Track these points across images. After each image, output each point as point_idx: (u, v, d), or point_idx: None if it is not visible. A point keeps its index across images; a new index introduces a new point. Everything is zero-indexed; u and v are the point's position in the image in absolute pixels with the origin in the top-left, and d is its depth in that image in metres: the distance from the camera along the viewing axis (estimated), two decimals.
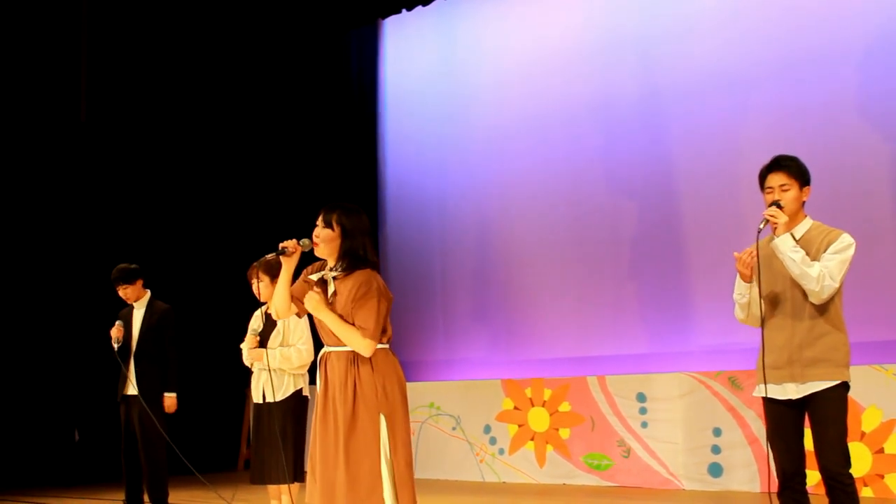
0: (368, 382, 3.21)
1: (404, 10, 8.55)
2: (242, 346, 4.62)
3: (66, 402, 7.85)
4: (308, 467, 3.37)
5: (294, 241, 3.30)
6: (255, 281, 4.61)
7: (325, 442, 3.25)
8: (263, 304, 4.70)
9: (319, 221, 3.32)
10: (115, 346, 5.22)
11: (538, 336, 7.49)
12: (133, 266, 5.49)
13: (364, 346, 3.21)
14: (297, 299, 3.36)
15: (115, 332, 5.27)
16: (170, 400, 5.37)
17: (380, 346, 3.26)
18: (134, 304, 5.46)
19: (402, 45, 8.76)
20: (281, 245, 3.28)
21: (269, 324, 4.67)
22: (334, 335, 3.26)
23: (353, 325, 3.24)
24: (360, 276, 3.27)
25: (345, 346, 3.24)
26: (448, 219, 8.17)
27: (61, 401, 7.83)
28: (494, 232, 7.91)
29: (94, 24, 7.90)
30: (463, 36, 8.28)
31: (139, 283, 5.48)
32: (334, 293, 3.27)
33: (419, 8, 8.41)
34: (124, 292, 5.43)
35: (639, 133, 7.15)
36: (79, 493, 7.20)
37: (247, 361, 4.64)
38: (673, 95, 7.01)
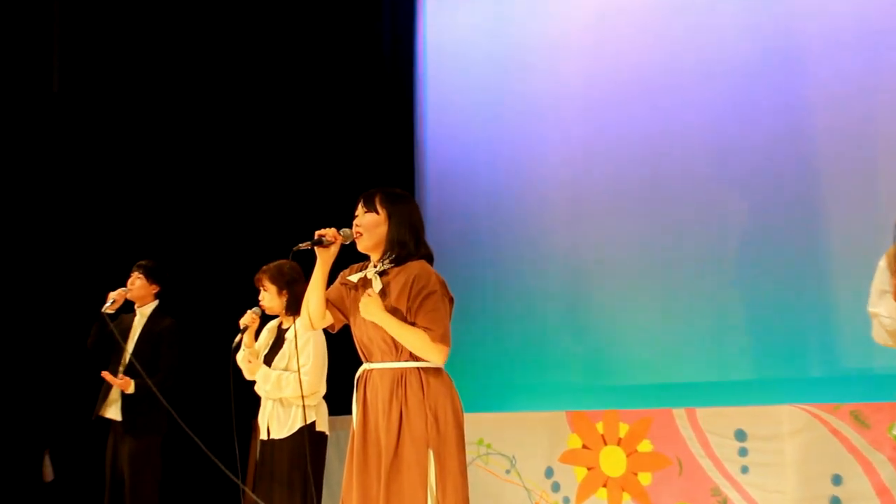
0: (417, 409, 3.11)
1: None
2: (239, 359, 4.52)
3: (36, 424, 7.13)
4: None
5: (333, 229, 3.22)
6: (262, 287, 4.54)
7: (363, 481, 3.16)
8: (274, 317, 4.64)
9: (360, 208, 3.25)
10: (109, 306, 5.15)
11: (613, 357, 6.95)
12: (159, 266, 5.52)
13: (435, 351, 3.13)
14: (333, 306, 3.29)
15: (115, 294, 5.22)
16: (122, 381, 5.17)
17: (432, 366, 3.17)
18: (137, 309, 5.39)
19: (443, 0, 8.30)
20: (317, 233, 3.19)
21: (277, 344, 4.58)
22: (379, 348, 3.16)
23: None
24: (413, 267, 3.20)
25: (391, 361, 3.15)
26: (502, 210, 7.60)
27: (29, 423, 7.11)
28: (559, 227, 7.32)
29: None
30: None
31: (154, 287, 5.42)
32: (382, 291, 3.18)
33: None
34: (134, 283, 5.35)
35: (750, 102, 6.53)
36: None
37: (247, 374, 4.54)
38: (784, 57, 6.44)
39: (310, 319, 3.29)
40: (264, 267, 4.56)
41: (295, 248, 3.26)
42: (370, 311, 3.15)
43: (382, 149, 8.10)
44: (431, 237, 7.38)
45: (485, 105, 7.93)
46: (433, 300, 3.16)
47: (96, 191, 7.48)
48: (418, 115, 8.18)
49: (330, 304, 3.29)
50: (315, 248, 3.24)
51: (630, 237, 7.06)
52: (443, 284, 3.22)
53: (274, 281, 4.51)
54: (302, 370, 4.33)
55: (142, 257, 5.68)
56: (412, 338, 3.13)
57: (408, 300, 3.16)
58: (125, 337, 5.35)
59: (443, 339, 3.14)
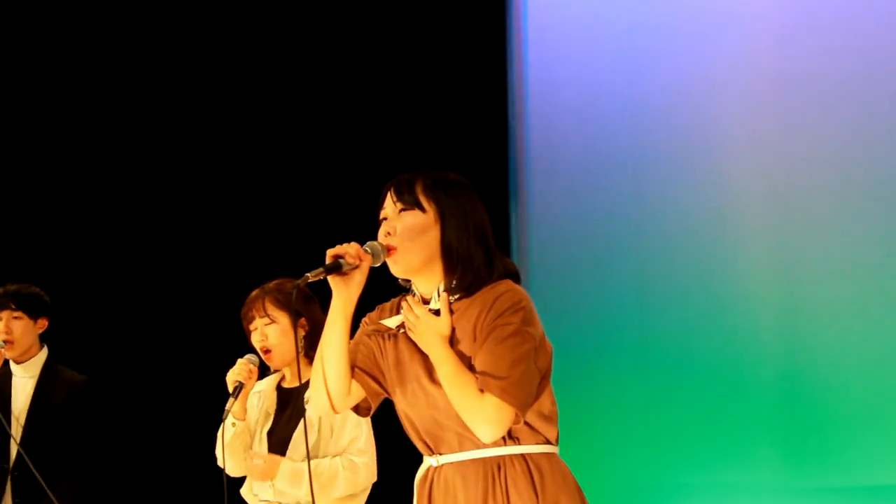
0: None
1: None
2: (226, 439, 3.64)
3: None
4: None
5: (355, 245, 2.56)
6: (257, 321, 3.66)
7: None
8: (274, 371, 3.75)
9: (389, 203, 2.62)
10: None
11: (836, 438, 5.74)
12: (39, 291, 4.58)
13: (485, 413, 2.43)
14: (363, 373, 2.63)
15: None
16: None
17: (543, 448, 2.53)
18: (13, 366, 4.50)
19: None
20: (332, 254, 2.55)
21: (287, 415, 3.71)
22: (455, 431, 2.54)
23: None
24: (490, 294, 2.52)
25: (478, 448, 2.51)
26: (649, 194, 6.22)
27: None
28: (746, 213, 6.02)
29: None
30: None
31: (41, 323, 4.52)
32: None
33: None
34: (12, 329, 4.42)
35: None
36: None
37: (232, 465, 3.66)
38: None
39: (329, 398, 2.62)
40: (256, 291, 3.71)
41: (301, 282, 2.55)
42: (426, 337, 2.52)
43: (451, 92, 6.57)
44: (531, 246, 6.58)
45: (614, 25, 6.54)
46: (505, 332, 2.45)
47: None
48: (513, 43, 6.78)
49: (358, 370, 2.64)
50: (329, 276, 2.54)
51: (870, 235, 5.84)
52: (532, 317, 2.54)
53: (283, 305, 3.67)
54: (351, 448, 3.63)
55: (50, 280, 4.78)
56: (460, 391, 2.44)
57: (474, 336, 2.53)
58: (6, 417, 4.45)
59: (504, 393, 2.38)
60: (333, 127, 6.59)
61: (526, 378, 2.50)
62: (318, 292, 3.18)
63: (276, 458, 3.68)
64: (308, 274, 2.54)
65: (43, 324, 4.55)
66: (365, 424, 3.70)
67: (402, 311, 2.66)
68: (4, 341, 4.42)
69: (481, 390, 2.46)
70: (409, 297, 2.67)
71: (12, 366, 4.50)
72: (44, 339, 4.61)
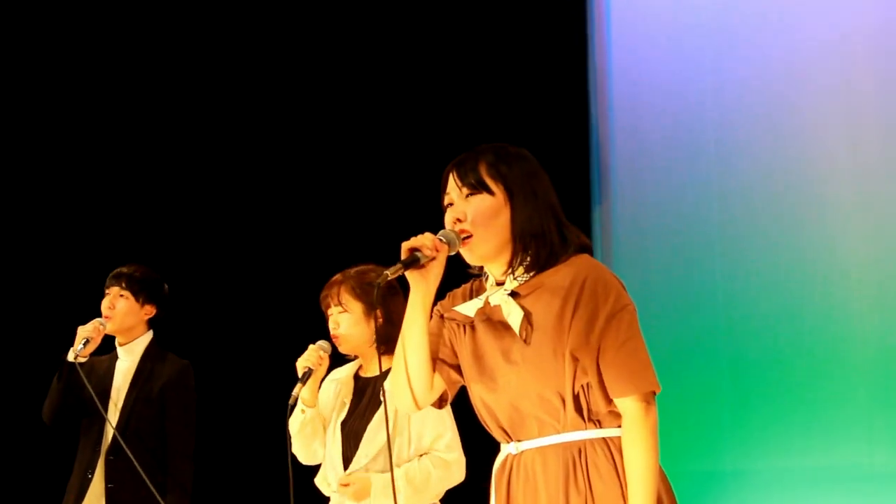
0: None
1: None
2: (293, 428, 3.57)
3: None
4: None
5: (430, 236, 2.44)
6: (333, 308, 3.59)
7: None
8: (352, 358, 3.67)
9: (455, 188, 2.49)
10: (82, 350, 4.13)
11: None
12: (154, 278, 4.44)
13: (642, 413, 2.36)
14: (443, 363, 2.54)
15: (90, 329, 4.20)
16: None
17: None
18: (118, 349, 4.37)
19: None
20: (407, 247, 2.43)
21: (363, 405, 3.59)
22: (535, 416, 2.44)
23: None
24: (568, 270, 2.43)
25: (558, 432, 2.43)
26: (733, 192, 6.02)
27: None
28: (835, 202, 5.74)
29: None
30: None
31: (147, 310, 4.37)
32: (526, 320, 2.42)
33: None
34: (115, 305, 4.28)
35: None
36: None
37: (303, 453, 3.63)
38: None
39: (412, 396, 2.53)
40: (338, 276, 3.62)
41: (381, 280, 2.45)
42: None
43: (533, 87, 6.38)
44: (617, 237, 6.34)
45: (698, 18, 6.26)
46: (624, 323, 2.37)
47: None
48: (595, 37, 6.56)
49: (440, 362, 2.54)
50: (407, 271, 2.43)
51: None
52: (625, 290, 2.51)
53: (359, 295, 3.55)
54: (439, 444, 3.48)
55: (118, 263, 4.55)
56: (646, 473, 2.34)
57: (572, 322, 2.36)
58: (105, 399, 4.27)
59: (652, 383, 2.35)
60: (420, 117, 6.40)
61: (647, 353, 2.45)
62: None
63: (365, 476, 3.51)
64: (387, 272, 2.44)
65: (149, 310, 4.41)
66: (449, 420, 3.56)
67: (482, 319, 2.52)
68: (104, 316, 4.31)
69: (636, 391, 2.39)
70: (489, 293, 2.53)
71: (118, 349, 4.41)
72: (156, 328, 4.52)
